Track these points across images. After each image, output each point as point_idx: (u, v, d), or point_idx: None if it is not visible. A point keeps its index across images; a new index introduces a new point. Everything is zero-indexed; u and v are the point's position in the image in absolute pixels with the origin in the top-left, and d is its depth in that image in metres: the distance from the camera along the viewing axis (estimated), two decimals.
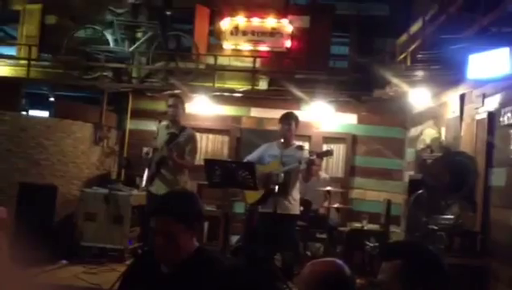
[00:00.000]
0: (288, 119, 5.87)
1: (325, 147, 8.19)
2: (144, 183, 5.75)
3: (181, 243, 2.32)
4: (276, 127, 6.12)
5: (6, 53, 9.41)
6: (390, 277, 1.85)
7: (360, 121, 8.67)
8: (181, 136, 5.92)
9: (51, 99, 8.48)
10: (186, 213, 2.36)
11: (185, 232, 2.33)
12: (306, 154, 5.71)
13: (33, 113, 8.69)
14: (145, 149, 6.19)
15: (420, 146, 6.93)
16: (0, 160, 7.07)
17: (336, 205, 7.25)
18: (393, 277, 1.84)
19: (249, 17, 8.75)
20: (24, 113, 8.39)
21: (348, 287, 2.00)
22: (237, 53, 8.74)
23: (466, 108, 5.86)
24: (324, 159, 7.51)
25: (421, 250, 1.93)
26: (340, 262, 2.07)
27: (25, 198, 6.67)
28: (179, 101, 6.13)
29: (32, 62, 8.46)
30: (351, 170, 8.61)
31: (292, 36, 8.67)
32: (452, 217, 5.37)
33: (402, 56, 6.40)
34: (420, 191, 5.83)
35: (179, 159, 5.83)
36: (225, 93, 8.42)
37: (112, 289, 5.23)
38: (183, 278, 2.27)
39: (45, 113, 8.53)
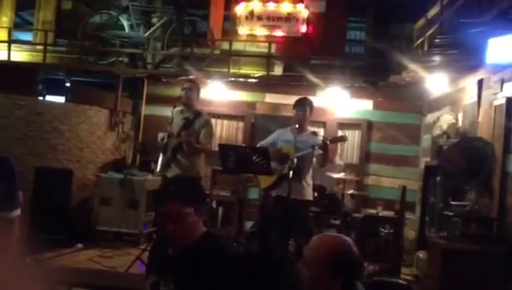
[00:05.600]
0: (303, 105, 5.81)
1: (340, 133, 8.13)
2: (158, 168, 5.75)
3: (192, 226, 2.34)
4: (291, 113, 6.08)
5: (22, 39, 9.48)
6: None
7: (375, 107, 8.59)
8: (196, 122, 5.89)
9: (67, 84, 8.53)
10: (192, 196, 2.39)
11: (194, 215, 2.34)
12: (320, 140, 5.65)
13: (49, 98, 8.74)
14: (160, 134, 6.18)
15: (437, 132, 6.85)
16: (17, 145, 7.14)
17: (350, 192, 7.21)
18: None
19: (264, 2, 8.70)
20: (41, 98, 8.45)
21: (354, 267, 2.10)
22: (252, 38, 8.72)
23: (484, 93, 5.77)
24: (339, 145, 7.50)
25: None
26: (349, 240, 2.17)
27: (41, 182, 6.76)
28: (193, 85, 6.09)
29: (48, 47, 8.52)
30: (366, 156, 8.56)
31: (308, 21, 8.61)
32: (468, 203, 5.31)
33: (419, 41, 6.32)
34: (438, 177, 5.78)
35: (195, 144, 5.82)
36: (240, 79, 8.41)
37: (127, 272, 5.31)
38: (191, 261, 2.27)
39: (61, 99, 8.57)
